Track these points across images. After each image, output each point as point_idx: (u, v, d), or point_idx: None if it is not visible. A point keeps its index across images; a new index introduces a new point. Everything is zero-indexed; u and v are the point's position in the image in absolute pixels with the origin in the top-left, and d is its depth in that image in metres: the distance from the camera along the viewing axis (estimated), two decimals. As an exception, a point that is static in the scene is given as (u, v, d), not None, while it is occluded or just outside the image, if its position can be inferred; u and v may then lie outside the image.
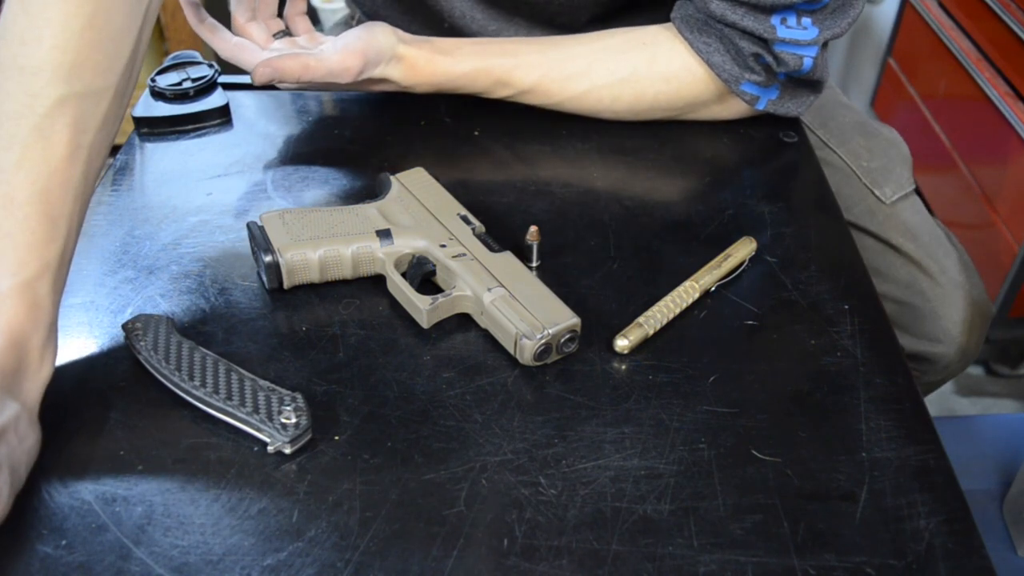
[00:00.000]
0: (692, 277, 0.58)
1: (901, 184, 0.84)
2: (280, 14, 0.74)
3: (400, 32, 0.69)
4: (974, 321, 0.83)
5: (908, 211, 0.84)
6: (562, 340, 0.52)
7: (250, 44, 0.71)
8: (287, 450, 0.47)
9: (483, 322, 0.55)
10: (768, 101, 0.71)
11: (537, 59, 0.70)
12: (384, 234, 0.58)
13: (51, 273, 0.48)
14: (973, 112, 1.46)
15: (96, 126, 0.51)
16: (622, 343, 0.54)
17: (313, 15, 2.18)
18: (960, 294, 0.82)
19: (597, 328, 0.55)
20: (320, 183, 0.68)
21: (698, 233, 0.64)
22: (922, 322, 0.82)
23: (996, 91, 1.38)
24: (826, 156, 0.85)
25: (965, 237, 1.49)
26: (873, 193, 0.84)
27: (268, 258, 0.56)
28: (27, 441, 0.45)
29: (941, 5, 1.61)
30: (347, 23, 0.99)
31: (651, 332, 0.55)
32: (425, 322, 0.55)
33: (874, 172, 0.85)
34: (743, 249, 0.61)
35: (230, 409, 0.48)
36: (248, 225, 0.59)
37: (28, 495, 0.45)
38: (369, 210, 0.61)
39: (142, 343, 0.51)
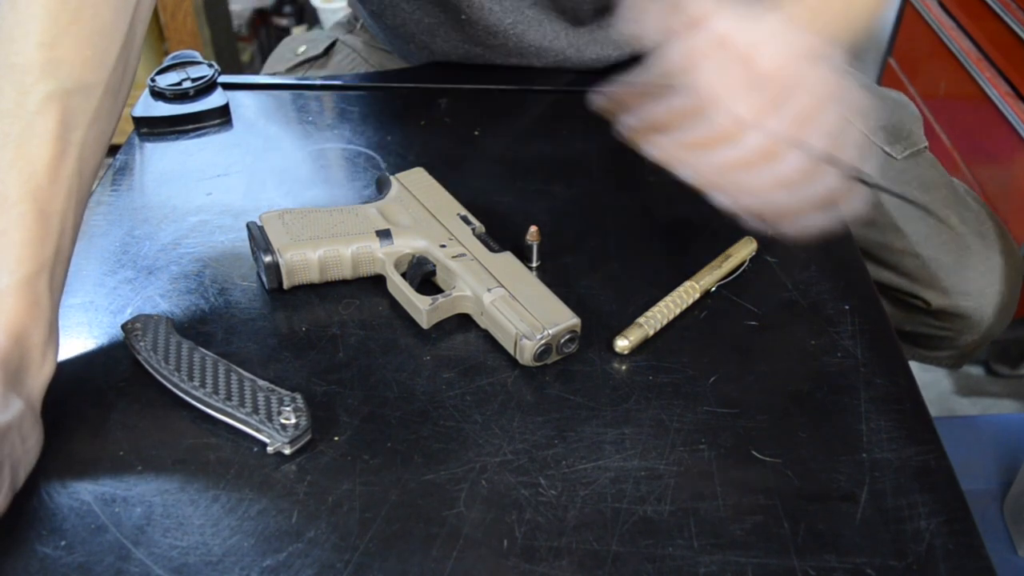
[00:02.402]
0: (692, 277, 0.58)
1: (912, 141, 0.84)
2: None
3: None
4: (1003, 272, 0.81)
5: (921, 166, 0.83)
6: (562, 340, 0.52)
7: None
8: (287, 451, 0.47)
9: (483, 322, 0.55)
10: None
11: None
12: (384, 234, 0.58)
13: (48, 270, 0.48)
14: (974, 112, 1.45)
15: (87, 122, 0.50)
16: (622, 343, 0.53)
17: (313, 15, 2.18)
18: (983, 243, 0.80)
19: (597, 328, 0.55)
20: (320, 183, 0.68)
21: (698, 233, 0.64)
22: (947, 275, 0.80)
23: (996, 91, 1.38)
24: None
25: (965, 237, 1.49)
26: (884, 150, 0.83)
27: (268, 258, 0.56)
28: (29, 440, 0.45)
29: (941, 5, 1.60)
30: (348, 23, 0.99)
31: (651, 332, 0.54)
32: (425, 322, 0.55)
33: (882, 131, 0.84)
34: (743, 249, 0.61)
35: (229, 409, 0.48)
36: (248, 225, 0.58)
37: (28, 495, 0.45)
38: (369, 210, 0.60)
39: (142, 343, 0.51)
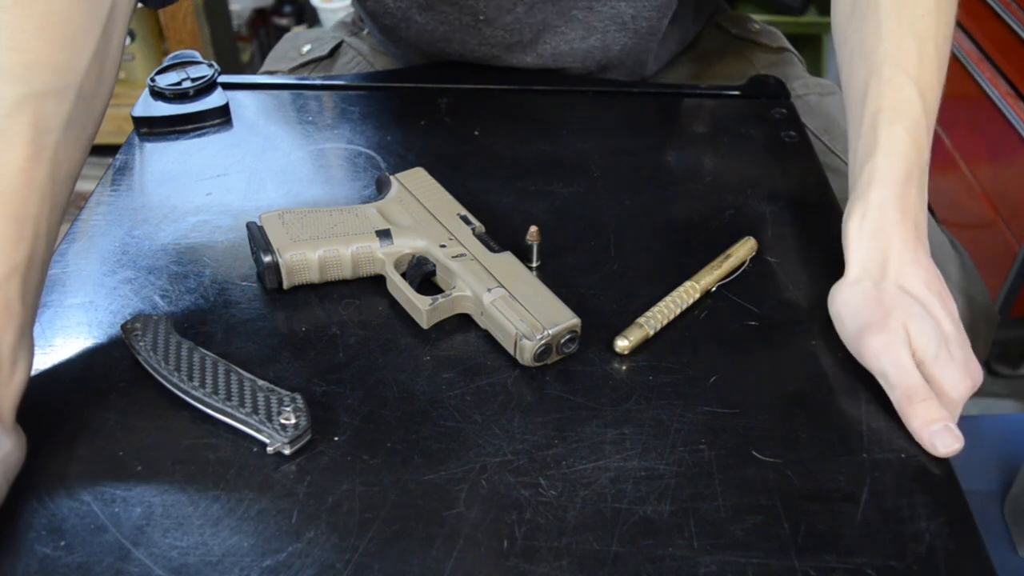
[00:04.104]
0: (692, 277, 0.58)
1: None
2: None
3: None
4: (978, 330, 0.82)
5: None
6: (562, 340, 0.52)
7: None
8: (286, 451, 0.47)
9: (483, 322, 0.55)
10: None
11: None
12: (384, 234, 0.58)
13: (20, 275, 0.47)
14: (974, 112, 1.45)
15: (60, 126, 0.50)
16: (622, 343, 0.53)
17: (313, 15, 2.18)
18: (964, 301, 0.81)
19: (597, 328, 0.55)
20: (320, 183, 0.68)
21: (698, 233, 0.64)
22: None
23: (997, 91, 1.38)
24: (830, 161, 0.85)
25: (966, 237, 1.49)
26: None
27: (268, 258, 0.56)
28: (1, 450, 0.44)
29: (942, 5, 1.60)
30: (352, 24, 0.98)
31: (651, 332, 0.54)
32: (425, 322, 0.55)
33: None
34: (743, 249, 0.61)
35: (229, 410, 0.48)
36: (248, 225, 0.58)
37: (26, 496, 0.45)
38: (369, 210, 0.60)
39: (141, 343, 0.51)
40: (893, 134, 0.57)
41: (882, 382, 0.51)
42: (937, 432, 0.48)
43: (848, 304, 0.54)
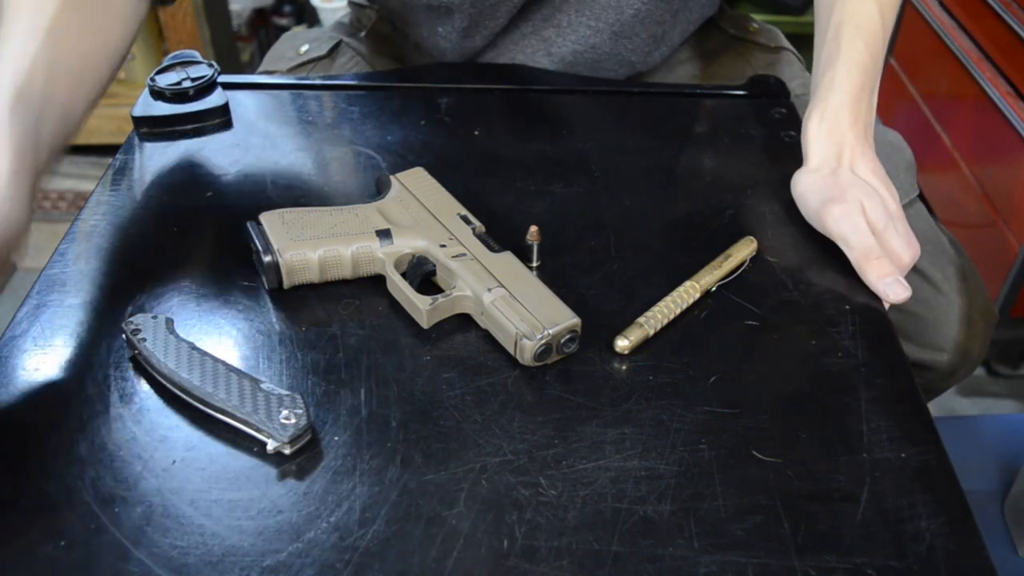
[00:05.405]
0: (693, 277, 0.58)
1: (904, 191, 0.83)
2: None
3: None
4: (977, 329, 0.82)
5: (912, 219, 0.83)
6: (562, 340, 0.52)
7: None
8: (286, 450, 0.47)
9: (483, 322, 0.55)
10: None
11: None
12: (384, 234, 0.58)
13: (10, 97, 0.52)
14: (974, 112, 1.46)
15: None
16: (622, 343, 0.53)
17: (313, 15, 2.18)
18: (963, 302, 0.81)
19: (597, 328, 0.55)
20: (320, 183, 0.68)
21: (698, 233, 0.64)
22: (925, 330, 0.81)
23: (997, 91, 1.38)
24: None
25: (966, 237, 1.49)
26: None
27: (268, 258, 0.56)
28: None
29: (942, 4, 1.60)
30: (351, 25, 0.98)
31: (651, 332, 0.54)
32: (425, 322, 0.55)
33: None
34: (744, 249, 0.61)
35: (229, 409, 0.48)
36: (248, 225, 0.58)
37: (26, 495, 0.45)
38: (369, 210, 0.60)
39: (142, 343, 0.51)
40: (854, 47, 0.64)
41: (842, 245, 0.59)
42: (890, 283, 0.57)
43: (810, 185, 0.62)
